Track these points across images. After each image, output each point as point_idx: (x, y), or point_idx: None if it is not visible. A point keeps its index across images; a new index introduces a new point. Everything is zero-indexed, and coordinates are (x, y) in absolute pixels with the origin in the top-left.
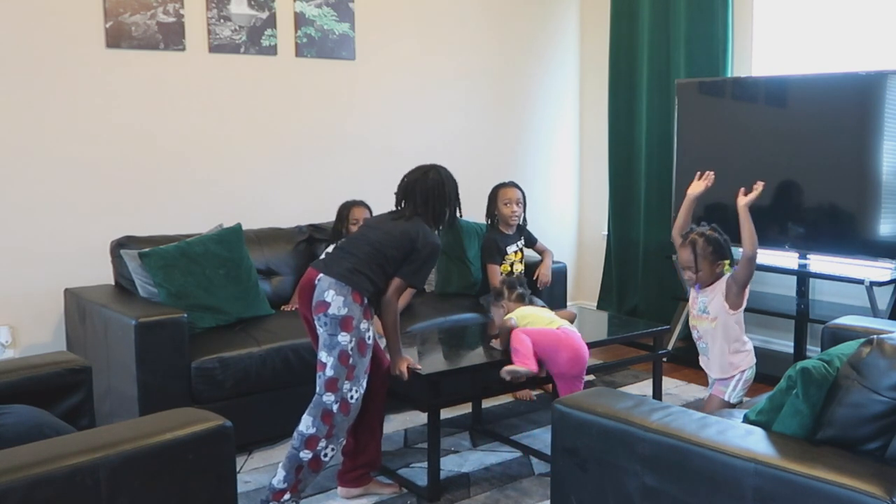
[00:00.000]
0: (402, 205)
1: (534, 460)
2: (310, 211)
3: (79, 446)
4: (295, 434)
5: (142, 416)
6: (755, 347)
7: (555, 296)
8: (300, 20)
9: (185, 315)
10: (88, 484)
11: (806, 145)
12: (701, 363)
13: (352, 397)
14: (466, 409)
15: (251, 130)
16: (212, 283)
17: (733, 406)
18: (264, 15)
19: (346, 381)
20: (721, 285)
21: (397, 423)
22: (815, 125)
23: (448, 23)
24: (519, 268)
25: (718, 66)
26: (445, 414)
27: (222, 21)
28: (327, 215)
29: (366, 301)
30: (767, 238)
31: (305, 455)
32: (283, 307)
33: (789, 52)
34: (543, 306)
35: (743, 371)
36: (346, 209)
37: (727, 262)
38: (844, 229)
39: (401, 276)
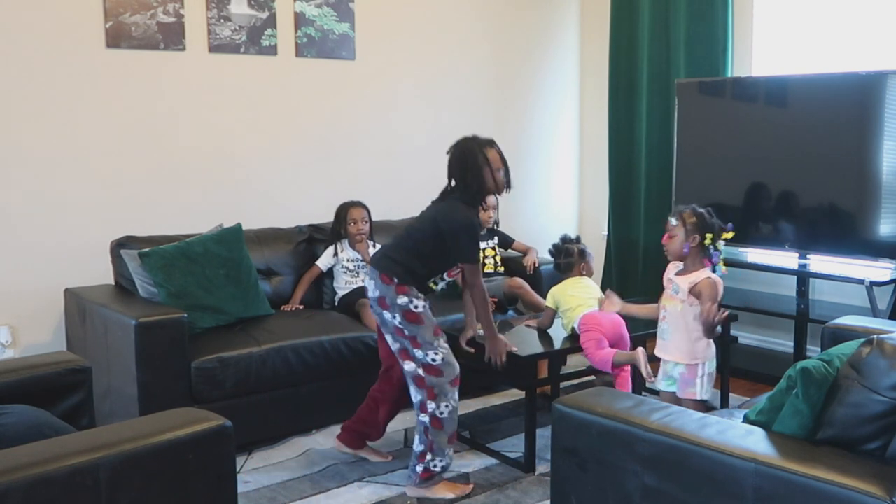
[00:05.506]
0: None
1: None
2: (310, 211)
3: (79, 446)
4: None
5: (142, 416)
6: (755, 347)
7: None
8: (300, 20)
9: (185, 315)
10: (88, 484)
11: (806, 145)
12: (657, 350)
13: (433, 360)
14: (464, 409)
15: (251, 130)
16: (212, 283)
17: (706, 403)
18: (264, 15)
19: (415, 349)
20: (702, 277)
21: (397, 423)
22: (815, 125)
23: (448, 23)
24: (490, 263)
25: (718, 66)
26: None
27: (222, 21)
28: (327, 215)
29: (396, 280)
30: (767, 238)
31: (424, 418)
32: (283, 307)
33: (789, 52)
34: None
35: (705, 362)
36: (344, 210)
37: (710, 235)
38: (844, 229)
39: (459, 261)
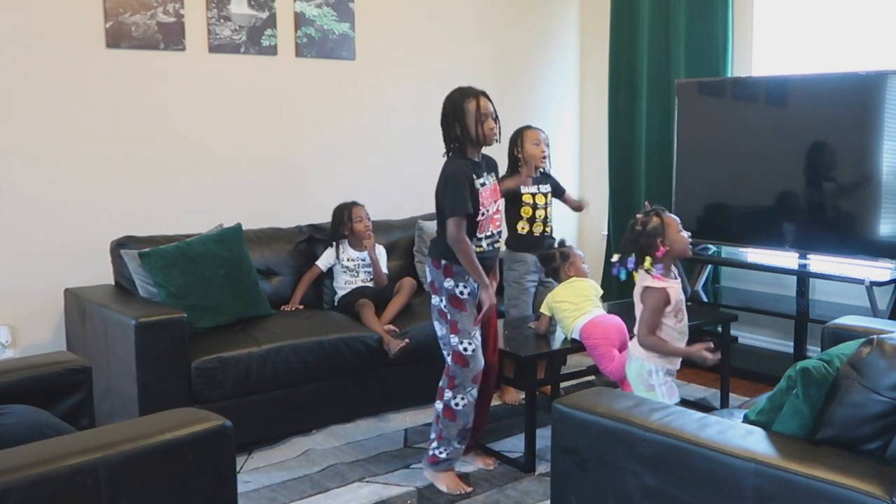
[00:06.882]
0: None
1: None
2: (310, 211)
3: (79, 446)
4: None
5: (142, 416)
6: (755, 347)
7: None
8: (300, 20)
9: (185, 315)
10: (88, 484)
11: (806, 145)
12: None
13: (465, 349)
14: None
15: (251, 130)
16: (212, 283)
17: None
18: (264, 15)
19: (452, 336)
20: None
21: (397, 423)
22: (815, 125)
23: (448, 23)
24: (541, 214)
25: (718, 66)
26: None
27: (222, 21)
28: (327, 215)
29: (443, 262)
30: (767, 238)
31: (438, 405)
32: (283, 307)
33: (789, 52)
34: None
35: None
36: (347, 210)
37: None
38: (844, 229)
39: (447, 216)
